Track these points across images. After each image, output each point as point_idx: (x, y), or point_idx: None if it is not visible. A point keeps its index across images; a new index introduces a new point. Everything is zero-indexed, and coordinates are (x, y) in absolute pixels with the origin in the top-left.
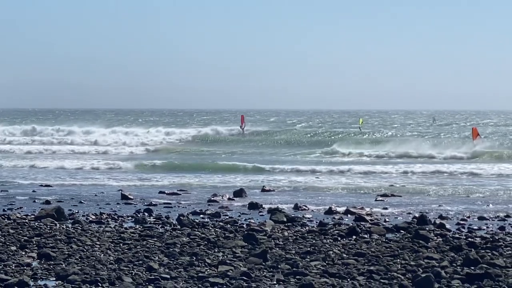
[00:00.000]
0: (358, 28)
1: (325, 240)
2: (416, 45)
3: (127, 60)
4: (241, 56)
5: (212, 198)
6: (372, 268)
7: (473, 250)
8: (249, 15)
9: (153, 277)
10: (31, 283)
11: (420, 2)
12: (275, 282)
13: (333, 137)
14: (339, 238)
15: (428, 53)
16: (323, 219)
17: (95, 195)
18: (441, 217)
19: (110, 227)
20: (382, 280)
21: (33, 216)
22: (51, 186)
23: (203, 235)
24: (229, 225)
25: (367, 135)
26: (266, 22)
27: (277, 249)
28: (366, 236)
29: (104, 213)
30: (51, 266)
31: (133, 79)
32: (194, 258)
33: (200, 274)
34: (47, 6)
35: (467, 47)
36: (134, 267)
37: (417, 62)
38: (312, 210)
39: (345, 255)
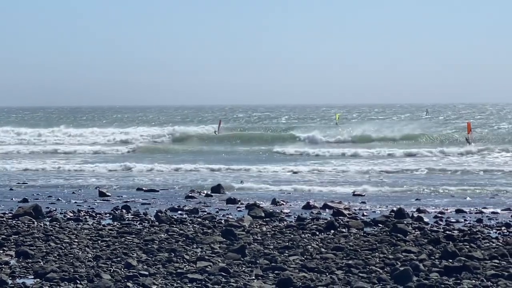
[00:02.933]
0: (346, 23)
1: (303, 235)
2: (406, 40)
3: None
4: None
5: (190, 194)
6: (350, 262)
7: (451, 243)
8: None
9: (131, 273)
10: (9, 281)
11: None
12: (253, 277)
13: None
14: (317, 233)
15: (421, 48)
16: (301, 214)
17: (73, 192)
18: (419, 210)
19: (88, 224)
20: (360, 274)
21: (10, 214)
22: (27, 183)
23: (181, 231)
24: (207, 221)
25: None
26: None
27: (256, 244)
28: (344, 230)
29: (82, 211)
30: (29, 264)
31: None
32: (173, 254)
33: (178, 270)
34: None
35: (459, 41)
36: (112, 264)
37: (410, 57)
38: (290, 205)
39: (323, 250)
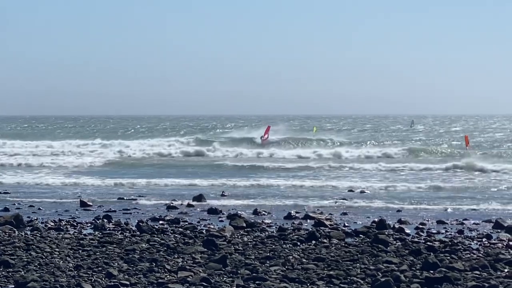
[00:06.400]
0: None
1: (284, 245)
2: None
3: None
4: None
5: (171, 204)
6: (331, 272)
7: (432, 254)
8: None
9: (112, 283)
10: None
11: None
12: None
13: None
14: (298, 243)
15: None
16: (283, 224)
17: (54, 202)
18: (400, 221)
19: (69, 233)
20: (341, 285)
21: None
22: (9, 193)
23: (162, 241)
24: (188, 231)
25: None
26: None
27: (237, 254)
28: (325, 240)
29: (63, 220)
30: (10, 274)
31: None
32: (154, 264)
33: (159, 280)
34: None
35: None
36: (93, 273)
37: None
38: (272, 215)
39: (304, 260)
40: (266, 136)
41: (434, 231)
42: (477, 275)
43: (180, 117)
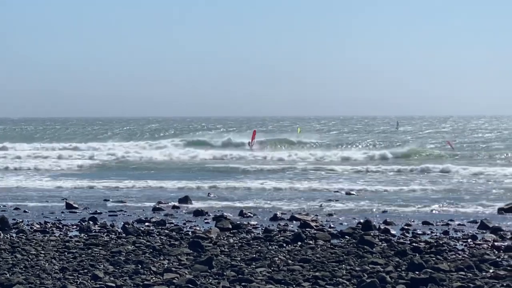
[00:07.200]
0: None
1: (270, 247)
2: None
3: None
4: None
5: (157, 206)
6: (317, 274)
7: (417, 254)
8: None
9: (98, 285)
10: None
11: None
12: None
13: None
14: (284, 245)
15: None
16: (268, 226)
17: (40, 204)
18: (385, 222)
19: (54, 236)
20: (327, 286)
21: None
22: None
23: (148, 243)
24: (174, 233)
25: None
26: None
27: (223, 256)
28: (311, 242)
29: (48, 222)
30: None
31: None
32: (140, 266)
33: (145, 282)
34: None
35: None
36: (79, 275)
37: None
38: (258, 217)
39: (290, 262)
40: (253, 141)
41: (420, 232)
42: (463, 276)
43: (169, 118)
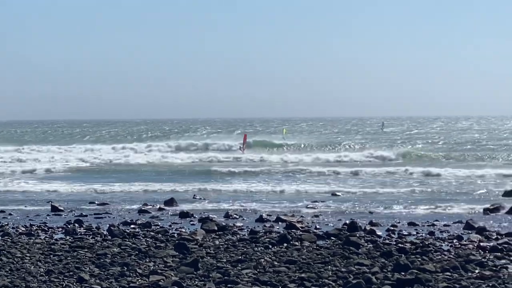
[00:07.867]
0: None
1: (256, 248)
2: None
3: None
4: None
5: (143, 208)
6: (303, 275)
7: (403, 255)
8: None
9: None
10: None
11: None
12: None
13: None
14: (270, 246)
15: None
16: (254, 227)
17: (25, 207)
18: (371, 223)
19: (40, 238)
20: (313, 287)
21: None
22: None
23: (134, 245)
24: (160, 235)
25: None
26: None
27: (209, 258)
28: (297, 243)
29: (34, 225)
30: None
31: None
32: (125, 268)
33: (131, 284)
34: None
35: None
36: (64, 278)
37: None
38: (243, 218)
39: (276, 263)
40: (244, 145)
41: (405, 233)
42: (448, 276)
43: (157, 120)
